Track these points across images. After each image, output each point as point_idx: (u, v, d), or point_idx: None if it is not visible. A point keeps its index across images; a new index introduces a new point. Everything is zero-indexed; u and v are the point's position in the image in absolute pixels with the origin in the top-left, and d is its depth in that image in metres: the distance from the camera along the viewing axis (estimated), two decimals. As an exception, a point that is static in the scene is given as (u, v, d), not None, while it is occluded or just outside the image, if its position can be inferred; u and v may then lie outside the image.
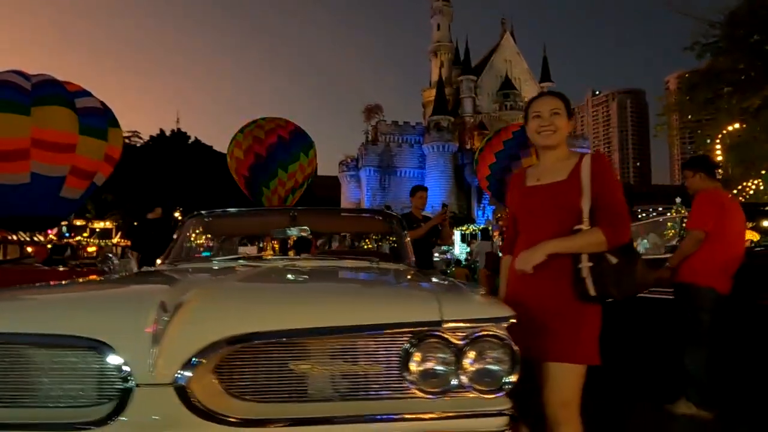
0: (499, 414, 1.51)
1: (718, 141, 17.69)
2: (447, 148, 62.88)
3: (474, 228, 49.57)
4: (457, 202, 58.60)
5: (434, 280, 2.35)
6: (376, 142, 66.06)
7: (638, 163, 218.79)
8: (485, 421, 1.51)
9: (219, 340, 1.42)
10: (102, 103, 11.01)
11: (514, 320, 1.61)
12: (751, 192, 16.97)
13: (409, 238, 3.35)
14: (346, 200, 67.81)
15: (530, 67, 75.12)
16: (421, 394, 1.53)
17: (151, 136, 48.41)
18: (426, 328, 1.55)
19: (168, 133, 49.03)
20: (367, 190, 63.92)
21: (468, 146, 64.67)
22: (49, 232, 10.67)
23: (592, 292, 1.92)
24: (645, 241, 6.23)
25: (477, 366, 1.54)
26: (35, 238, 14.74)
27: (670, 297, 3.83)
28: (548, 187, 2.08)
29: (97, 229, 34.42)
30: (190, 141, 49.43)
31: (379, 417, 1.47)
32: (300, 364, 1.54)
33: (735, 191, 18.24)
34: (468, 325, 1.56)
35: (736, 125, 16.55)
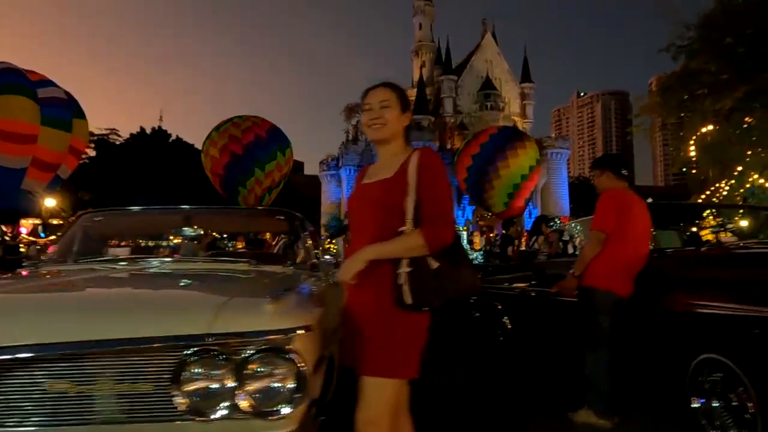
0: None
1: (692, 142, 17.88)
2: (428, 148, 63.00)
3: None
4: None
5: (259, 285, 2.19)
6: (356, 141, 65.96)
7: None
8: None
9: None
10: (67, 93, 10.69)
11: (305, 331, 1.49)
12: (725, 193, 17.18)
13: (310, 242, 3.22)
14: (327, 200, 67.60)
15: (511, 68, 75.52)
16: (193, 418, 1.37)
17: (132, 134, 47.87)
18: (197, 343, 1.39)
19: (149, 131, 48.63)
20: (347, 190, 63.79)
21: (448, 146, 64.78)
22: (6, 230, 10.31)
23: (408, 300, 1.76)
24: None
25: (257, 385, 1.41)
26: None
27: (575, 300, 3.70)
28: (375, 185, 1.93)
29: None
30: (171, 139, 48.93)
31: None
32: (57, 383, 1.35)
33: (708, 192, 18.48)
34: (244, 339, 1.42)
35: (710, 127, 16.73)
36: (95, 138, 45.14)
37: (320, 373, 1.81)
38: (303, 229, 3.31)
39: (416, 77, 72.42)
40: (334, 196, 67.11)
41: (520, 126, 62.51)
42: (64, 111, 10.37)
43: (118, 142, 47.12)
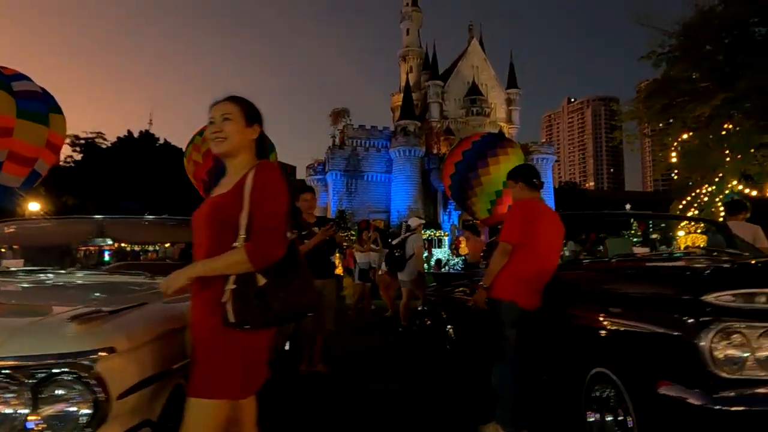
0: None
1: (673, 149, 18.10)
2: (413, 153, 63.05)
3: (440, 233, 49.81)
4: (423, 207, 58.78)
5: (91, 301, 2.11)
6: (343, 146, 65.96)
7: (612, 170, 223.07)
8: None
9: None
10: (42, 89, 10.50)
11: (108, 353, 1.42)
12: (706, 199, 17.39)
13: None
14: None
15: (499, 74, 75.88)
16: None
17: (119, 138, 47.44)
18: None
19: (136, 134, 48.19)
20: (333, 194, 63.68)
21: (435, 151, 64.97)
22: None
23: (230, 318, 1.71)
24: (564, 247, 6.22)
25: (50, 411, 1.35)
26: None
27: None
28: (213, 200, 1.91)
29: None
30: (159, 143, 48.57)
31: None
32: None
33: (689, 197, 18.71)
34: (38, 362, 1.36)
35: (690, 133, 16.97)
36: (81, 142, 44.96)
37: (146, 395, 1.73)
38: None
39: (404, 82, 72.61)
40: (321, 200, 67.00)
41: (506, 132, 62.89)
42: (40, 105, 10.17)
43: (104, 146, 46.67)
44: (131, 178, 40.93)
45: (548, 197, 67.55)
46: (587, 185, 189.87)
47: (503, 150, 17.45)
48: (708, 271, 2.60)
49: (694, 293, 2.21)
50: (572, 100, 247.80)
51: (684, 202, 19.13)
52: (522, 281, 3.45)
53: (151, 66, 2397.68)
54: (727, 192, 15.95)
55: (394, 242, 9.67)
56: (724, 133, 15.51)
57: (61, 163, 44.81)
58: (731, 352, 2.02)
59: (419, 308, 8.88)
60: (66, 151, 42.86)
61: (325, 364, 5.52)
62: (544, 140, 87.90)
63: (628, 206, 40.77)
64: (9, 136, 9.56)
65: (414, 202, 60.85)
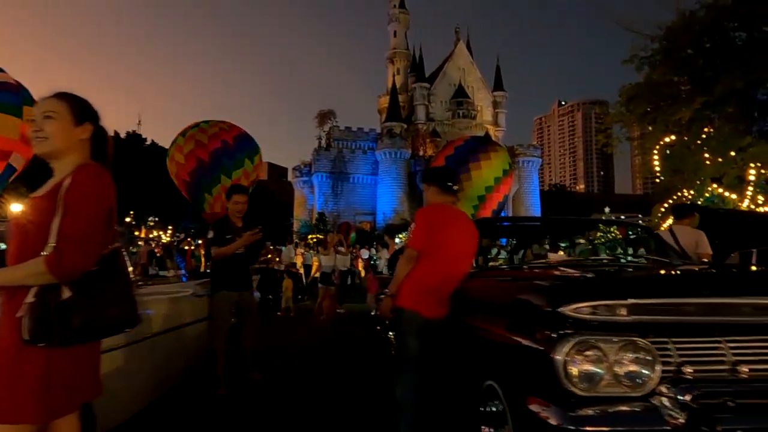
0: None
1: (656, 152, 18.22)
2: (399, 155, 63.11)
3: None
4: (409, 209, 58.86)
5: None
6: (329, 148, 65.86)
7: (602, 173, 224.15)
8: None
9: None
10: (16, 81, 10.29)
11: None
12: (688, 202, 17.51)
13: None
14: (300, 206, 67.26)
15: (486, 76, 76.26)
16: None
17: None
18: None
19: (123, 135, 48.49)
20: (319, 196, 63.56)
21: (421, 153, 65.07)
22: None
23: (24, 335, 1.56)
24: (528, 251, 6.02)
25: None
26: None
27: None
28: (28, 203, 1.75)
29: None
30: (147, 144, 48.58)
31: None
32: None
33: (671, 200, 18.84)
34: None
35: (673, 137, 17.09)
36: None
37: None
38: None
39: (390, 84, 72.72)
40: (306, 202, 66.84)
41: (492, 134, 63.14)
42: (12, 96, 9.89)
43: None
44: (117, 178, 40.67)
45: (534, 200, 67.93)
46: (577, 188, 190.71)
47: (486, 155, 17.54)
48: (570, 282, 2.48)
49: (553, 305, 2.07)
50: (563, 103, 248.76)
51: (665, 205, 19.26)
52: (426, 290, 3.28)
53: (140, 66, 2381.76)
54: (707, 195, 16.09)
55: (398, 247, 9.49)
56: (704, 136, 15.65)
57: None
58: (587, 367, 1.87)
59: (372, 313, 8.70)
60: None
61: (260, 371, 5.28)
62: (533, 143, 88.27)
63: (607, 209, 41.29)
64: None
65: (400, 205, 60.87)
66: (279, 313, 12.37)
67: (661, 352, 1.89)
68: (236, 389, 4.90)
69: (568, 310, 2.00)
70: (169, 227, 45.42)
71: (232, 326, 5.07)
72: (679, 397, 1.83)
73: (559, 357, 1.89)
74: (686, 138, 16.31)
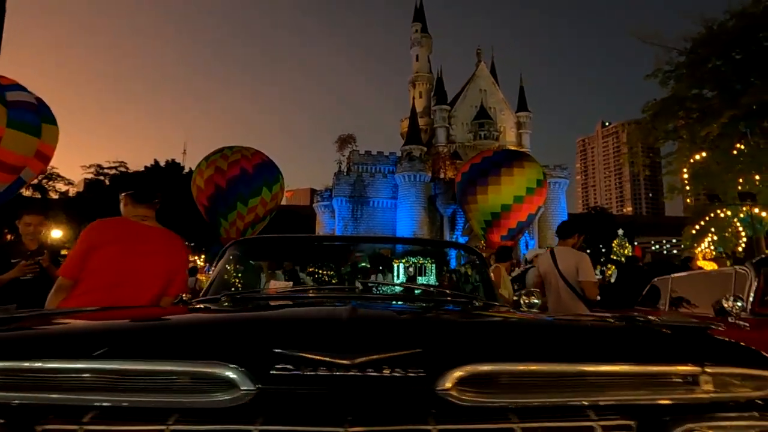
0: None
1: (685, 171, 17.24)
2: (419, 178, 62.36)
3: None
4: (429, 233, 57.80)
5: None
6: (349, 172, 65.59)
7: (650, 194, 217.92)
8: None
9: None
10: (38, 99, 10.59)
11: None
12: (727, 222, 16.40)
13: None
14: (321, 230, 66.80)
15: (509, 97, 75.34)
16: None
17: (145, 167, 49.06)
18: None
19: (162, 163, 49.82)
20: (338, 220, 63.13)
21: (441, 176, 64.20)
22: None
23: None
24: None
25: None
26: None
27: None
28: None
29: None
30: (185, 171, 49.98)
31: None
32: None
33: (702, 222, 17.72)
34: None
35: (703, 154, 16.12)
36: (105, 171, 46.90)
37: None
38: None
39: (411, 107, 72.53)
40: (327, 227, 66.45)
41: (515, 155, 62.00)
42: (31, 115, 10.28)
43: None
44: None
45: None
46: (625, 210, 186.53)
47: (509, 170, 16.70)
48: None
49: None
50: (607, 123, 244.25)
51: (697, 227, 18.15)
52: None
53: (185, 97, 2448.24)
54: (742, 216, 14.99)
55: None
56: (735, 152, 14.67)
57: (80, 191, 46.32)
58: None
59: None
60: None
61: None
62: (577, 164, 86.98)
63: (620, 231, 40.83)
64: None
65: (419, 228, 59.97)
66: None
67: None
68: None
69: None
70: (203, 251, 45.77)
71: None
72: None
73: None
74: (715, 155, 15.33)
